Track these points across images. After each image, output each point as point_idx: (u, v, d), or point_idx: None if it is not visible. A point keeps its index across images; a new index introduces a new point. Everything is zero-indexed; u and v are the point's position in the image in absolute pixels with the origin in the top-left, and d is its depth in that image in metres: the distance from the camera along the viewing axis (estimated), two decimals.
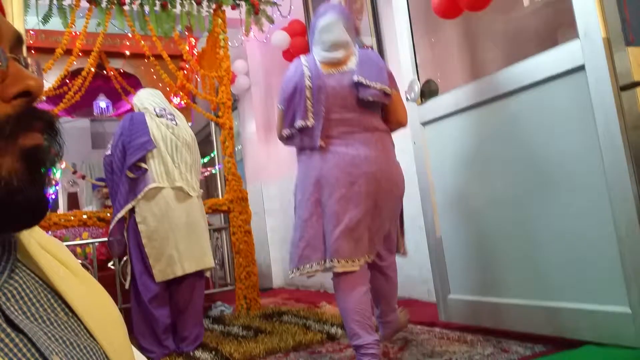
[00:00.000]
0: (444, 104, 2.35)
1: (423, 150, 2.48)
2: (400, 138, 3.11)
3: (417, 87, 2.47)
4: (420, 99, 2.47)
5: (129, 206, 2.52)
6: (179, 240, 2.53)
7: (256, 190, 5.06)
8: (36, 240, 0.51)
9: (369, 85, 1.89)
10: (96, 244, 3.51)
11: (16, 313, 0.43)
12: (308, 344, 2.32)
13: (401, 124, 2.05)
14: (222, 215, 5.20)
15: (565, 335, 1.84)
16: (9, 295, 0.44)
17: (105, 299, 0.55)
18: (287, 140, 2.03)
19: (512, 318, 2.06)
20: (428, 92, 2.46)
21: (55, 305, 0.48)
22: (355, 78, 1.89)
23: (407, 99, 2.50)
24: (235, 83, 5.02)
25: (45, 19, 3.32)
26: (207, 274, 2.79)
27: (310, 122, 1.90)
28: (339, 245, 1.82)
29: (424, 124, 2.47)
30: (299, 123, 1.92)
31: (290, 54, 4.43)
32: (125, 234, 2.61)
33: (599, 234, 1.74)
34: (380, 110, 1.99)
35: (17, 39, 0.47)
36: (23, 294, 0.46)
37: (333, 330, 2.48)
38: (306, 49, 4.29)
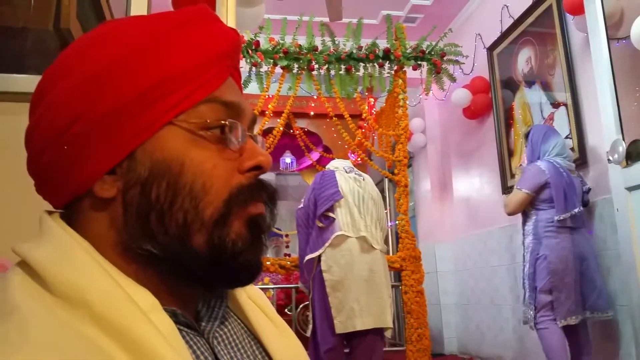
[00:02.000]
0: None
1: (628, 218, 2.24)
2: (600, 204, 2.87)
3: (622, 148, 2.26)
4: (626, 161, 2.26)
5: (317, 253, 2.68)
6: (361, 293, 2.59)
7: (428, 249, 5.00)
8: (245, 289, 0.57)
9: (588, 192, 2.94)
10: (276, 289, 3.80)
11: (225, 357, 0.48)
12: None
13: None
14: (392, 272, 5.23)
15: None
16: (220, 339, 0.50)
17: (299, 349, 0.58)
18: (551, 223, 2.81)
19: None
20: (635, 153, 2.24)
21: (257, 352, 0.53)
22: (587, 187, 2.92)
23: (609, 160, 2.31)
24: (411, 140, 5.13)
25: (245, 84, 3.83)
26: (388, 334, 2.79)
27: (575, 211, 2.73)
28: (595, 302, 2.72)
29: (630, 189, 2.24)
30: (573, 211, 2.73)
31: (471, 111, 4.41)
32: (310, 282, 2.77)
33: None
34: None
35: (253, 119, 0.54)
36: (231, 339, 0.51)
37: None
38: (489, 106, 4.24)
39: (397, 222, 3.86)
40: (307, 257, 2.72)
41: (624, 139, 2.28)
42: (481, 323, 4.37)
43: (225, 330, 0.51)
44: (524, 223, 2.93)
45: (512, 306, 3.86)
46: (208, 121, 0.48)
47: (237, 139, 0.49)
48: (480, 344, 4.38)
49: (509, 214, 2.98)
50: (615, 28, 2.78)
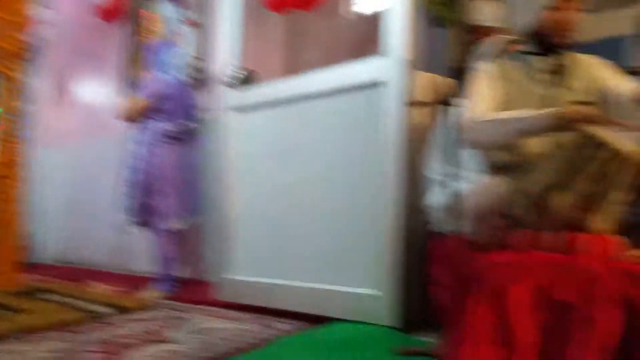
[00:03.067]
0: (258, 93, 2.47)
1: (228, 134, 2.57)
2: (211, 121, 3.16)
3: (235, 73, 2.53)
4: (238, 85, 2.54)
5: None
6: None
7: (38, 155, 4.57)
8: None
9: None
10: None
11: None
12: (71, 323, 2.18)
13: None
14: None
15: (324, 313, 2.12)
16: None
17: None
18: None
19: (281, 298, 2.29)
20: (245, 79, 2.54)
21: None
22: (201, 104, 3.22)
23: (224, 82, 2.56)
24: (35, 32, 4.49)
25: None
26: None
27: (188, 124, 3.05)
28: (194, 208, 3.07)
29: (235, 109, 2.55)
30: (186, 124, 2.99)
31: (105, 12, 4.18)
32: None
33: (369, 228, 2.03)
34: None
35: None
36: None
37: (101, 309, 2.41)
38: (122, 10, 4.09)
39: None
40: None
41: (238, 65, 2.55)
42: (83, 230, 4.41)
43: None
44: (139, 132, 3.03)
45: (112, 213, 3.94)
46: None
47: None
48: (81, 251, 4.45)
49: (126, 120, 3.09)
50: None
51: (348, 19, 3.00)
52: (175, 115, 2.94)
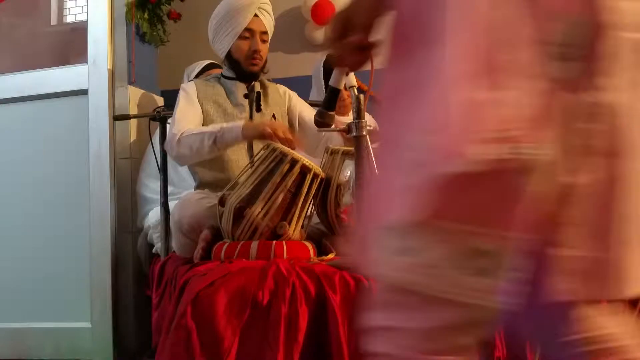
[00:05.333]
0: None
1: None
2: None
3: None
4: None
5: None
6: None
7: None
8: None
9: None
10: None
11: None
12: None
13: None
14: None
15: (30, 356, 1.85)
16: None
17: None
18: None
19: None
20: None
21: None
22: None
23: None
24: None
25: None
26: None
27: None
28: None
29: None
30: None
31: None
32: None
33: (74, 254, 1.87)
34: None
35: None
36: None
37: None
38: None
39: None
40: None
41: None
42: None
43: None
44: None
45: None
46: None
47: None
48: None
49: None
50: None
51: (55, 25, 2.74)
52: None
